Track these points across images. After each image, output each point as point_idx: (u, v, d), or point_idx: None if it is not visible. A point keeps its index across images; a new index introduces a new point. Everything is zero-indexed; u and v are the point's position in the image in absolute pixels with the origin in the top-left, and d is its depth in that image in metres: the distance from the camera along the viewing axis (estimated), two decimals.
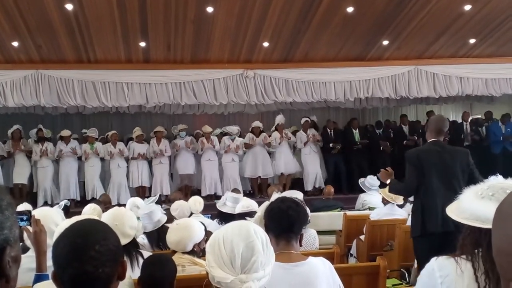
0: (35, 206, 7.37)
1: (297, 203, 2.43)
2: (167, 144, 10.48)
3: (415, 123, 12.33)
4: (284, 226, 2.33)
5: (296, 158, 11.00)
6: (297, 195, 2.50)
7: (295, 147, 11.01)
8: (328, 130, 11.14)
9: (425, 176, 4.20)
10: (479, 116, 12.66)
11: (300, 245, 2.41)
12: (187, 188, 10.53)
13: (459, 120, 12.34)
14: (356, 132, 11.11)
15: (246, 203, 4.85)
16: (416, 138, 11.04)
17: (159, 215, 4.22)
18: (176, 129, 10.91)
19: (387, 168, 4.71)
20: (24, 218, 2.58)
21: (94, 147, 10.44)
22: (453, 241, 4.10)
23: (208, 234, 3.51)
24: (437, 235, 4.11)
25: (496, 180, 1.78)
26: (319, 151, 11.13)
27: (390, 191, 4.75)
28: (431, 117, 5.42)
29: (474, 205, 1.70)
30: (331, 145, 10.88)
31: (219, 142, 10.55)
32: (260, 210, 2.51)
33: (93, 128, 10.62)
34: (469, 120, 11.93)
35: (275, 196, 2.58)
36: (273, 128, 10.82)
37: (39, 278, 2.46)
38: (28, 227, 2.59)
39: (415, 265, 4.38)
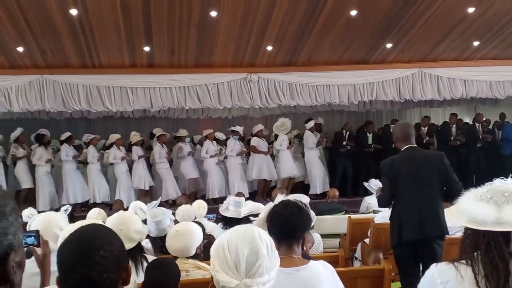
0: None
1: (300, 209, 2.39)
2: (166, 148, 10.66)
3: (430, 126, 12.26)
4: (285, 232, 2.30)
5: (298, 161, 11.06)
6: (303, 199, 2.45)
7: (303, 149, 11.07)
8: (344, 132, 11.25)
9: (398, 185, 4.20)
10: (485, 118, 12.61)
11: (303, 249, 2.40)
12: (193, 193, 10.56)
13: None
14: (370, 136, 11.16)
15: (252, 206, 4.81)
16: (434, 140, 11.02)
17: (167, 223, 4.20)
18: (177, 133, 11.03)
19: None
20: (32, 238, 2.52)
21: (100, 151, 10.53)
22: (430, 248, 4.10)
23: (210, 238, 3.51)
24: (413, 243, 4.11)
25: (498, 183, 1.77)
26: (323, 154, 11.20)
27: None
28: (396, 125, 5.42)
29: (471, 207, 1.71)
30: (344, 143, 11.00)
31: (225, 145, 10.72)
32: (264, 211, 2.49)
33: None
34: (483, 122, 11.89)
35: (280, 198, 2.55)
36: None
37: None
38: (37, 249, 2.54)
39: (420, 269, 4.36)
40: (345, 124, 11.74)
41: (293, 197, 2.43)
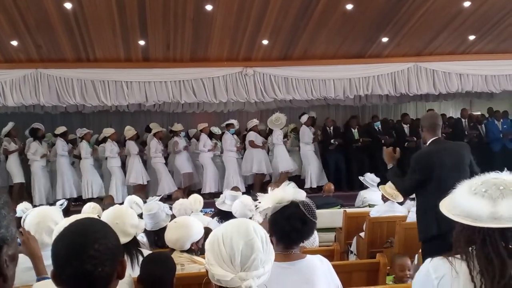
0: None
1: (305, 222, 2.29)
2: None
3: (415, 122, 12.24)
4: (284, 241, 2.30)
5: (294, 155, 11.08)
6: (300, 194, 2.37)
7: (299, 142, 11.07)
8: (328, 128, 11.19)
9: (436, 176, 4.10)
10: (479, 113, 12.64)
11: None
12: (187, 187, 10.56)
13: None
14: (355, 131, 11.12)
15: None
16: (415, 139, 10.89)
17: (162, 217, 4.20)
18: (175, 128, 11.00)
19: (390, 149, 4.51)
20: None
21: (94, 145, 10.50)
22: None
23: (208, 230, 3.51)
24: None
25: (492, 175, 1.74)
26: (317, 149, 11.22)
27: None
28: (423, 115, 5.29)
29: (466, 202, 1.68)
30: (332, 141, 10.95)
31: (220, 140, 10.74)
32: (271, 200, 2.37)
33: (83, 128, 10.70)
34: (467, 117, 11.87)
35: (290, 188, 2.41)
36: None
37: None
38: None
39: (415, 262, 4.36)
40: (326, 119, 11.65)
41: (291, 192, 2.36)
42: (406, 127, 11.46)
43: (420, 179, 4.17)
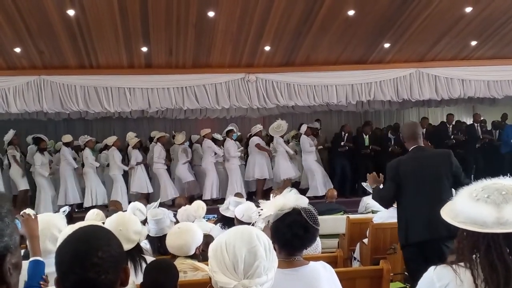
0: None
1: (306, 229, 2.24)
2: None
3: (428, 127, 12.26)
4: (286, 248, 2.28)
5: (295, 161, 11.07)
6: (302, 200, 2.35)
7: (297, 151, 11.05)
8: (343, 134, 11.25)
9: (405, 185, 4.14)
10: (482, 118, 12.62)
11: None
12: (190, 195, 10.56)
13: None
14: (366, 137, 11.15)
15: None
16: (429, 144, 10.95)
17: (167, 223, 4.20)
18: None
19: (373, 173, 4.60)
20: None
21: (99, 154, 10.51)
22: (440, 248, 4.04)
23: (209, 238, 3.52)
24: (423, 244, 4.05)
25: (491, 181, 1.71)
26: (319, 157, 11.22)
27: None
28: (403, 125, 5.35)
29: (469, 208, 1.65)
30: (342, 143, 11.00)
31: (223, 146, 10.70)
32: (273, 207, 2.35)
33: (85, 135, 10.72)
34: (480, 121, 11.91)
35: (291, 195, 2.39)
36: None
37: (36, 264, 2.44)
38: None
39: None
40: (344, 125, 11.72)
41: (293, 199, 2.34)
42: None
43: (392, 190, 4.20)
